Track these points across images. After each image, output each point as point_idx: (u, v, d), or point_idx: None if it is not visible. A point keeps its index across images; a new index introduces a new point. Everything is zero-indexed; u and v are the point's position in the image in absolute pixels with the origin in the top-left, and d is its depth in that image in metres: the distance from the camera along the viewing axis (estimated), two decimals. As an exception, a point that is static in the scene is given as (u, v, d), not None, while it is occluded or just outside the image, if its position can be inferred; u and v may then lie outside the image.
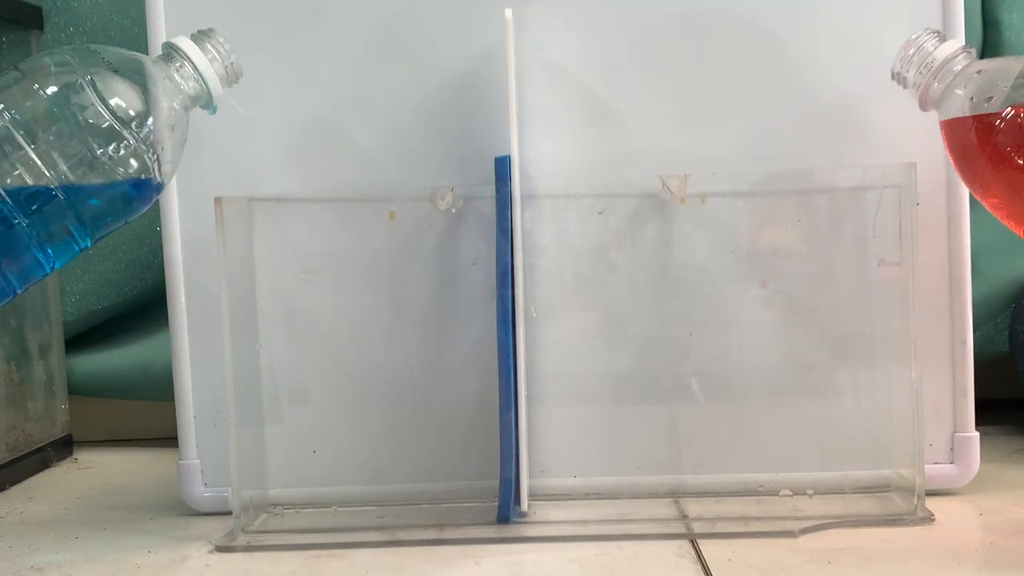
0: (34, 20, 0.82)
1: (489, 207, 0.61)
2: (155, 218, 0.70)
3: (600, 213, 0.62)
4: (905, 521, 0.58)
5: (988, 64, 0.55)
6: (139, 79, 0.54)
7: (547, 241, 0.62)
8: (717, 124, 0.62)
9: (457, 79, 0.63)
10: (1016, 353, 0.76)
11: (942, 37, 0.56)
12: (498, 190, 0.60)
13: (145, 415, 0.87)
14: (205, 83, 0.57)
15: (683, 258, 0.62)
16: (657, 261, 0.62)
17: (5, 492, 0.74)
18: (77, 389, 0.85)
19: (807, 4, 0.62)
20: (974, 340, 0.63)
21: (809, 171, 0.61)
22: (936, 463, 0.63)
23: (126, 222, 0.54)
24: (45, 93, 0.51)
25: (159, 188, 0.55)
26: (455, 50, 0.63)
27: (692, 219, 0.62)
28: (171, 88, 0.55)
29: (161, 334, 0.84)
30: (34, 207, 0.50)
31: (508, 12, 0.59)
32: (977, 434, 0.63)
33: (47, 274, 0.52)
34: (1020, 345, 0.75)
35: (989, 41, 0.82)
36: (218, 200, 0.59)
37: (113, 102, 0.52)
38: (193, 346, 0.64)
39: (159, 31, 0.63)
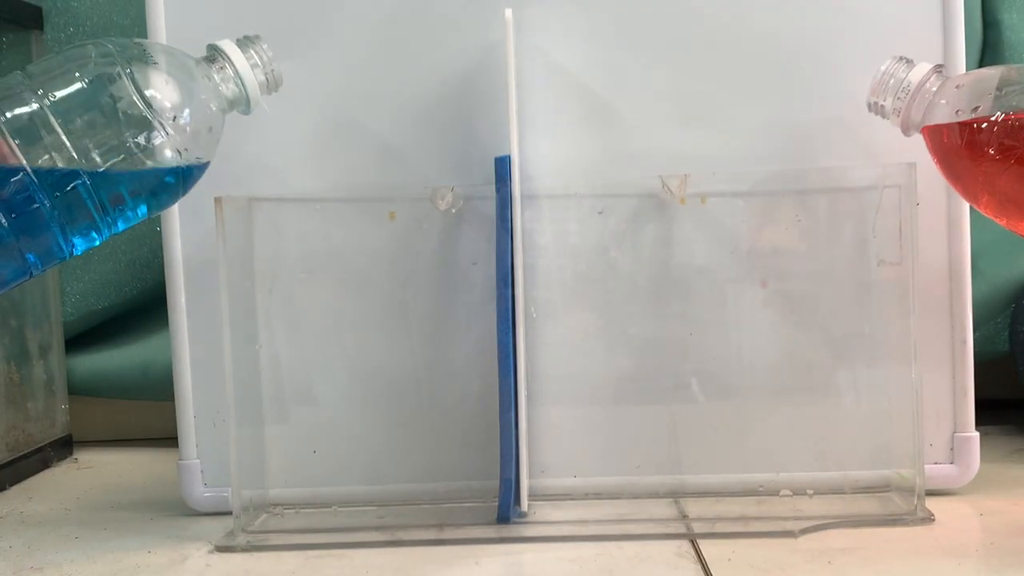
0: (34, 20, 0.82)
1: (489, 207, 0.61)
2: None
3: (600, 213, 0.62)
4: (905, 521, 0.58)
5: (965, 79, 0.56)
6: (179, 75, 0.54)
7: (547, 241, 0.62)
8: (717, 124, 0.63)
9: (457, 79, 0.63)
10: (1016, 353, 0.76)
11: (910, 62, 0.57)
12: (498, 190, 0.60)
13: (145, 415, 0.87)
14: (244, 88, 0.57)
15: (683, 258, 0.62)
16: (657, 261, 0.62)
17: (5, 492, 0.74)
18: (77, 389, 0.85)
19: (807, 4, 0.62)
20: (974, 340, 0.63)
21: (809, 171, 0.61)
22: (936, 463, 0.63)
23: (149, 216, 0.54)
24: (84, 80, 0.52)
25: (187, 187, 0.55)
26: (455, 50, 0.63)
27: (692, 219, 0.62)
28: (210, 88, 0.55)
29: (161, 334, 0.84)
30: (60, 191, 0.50)
31: (508, 12, 0.59)
32: (977, 434, 0.63)
33: (65, 258, 0.53)
34: (1020, 345, 0.75)
35: (989, 41, 0.82)
36: (218, 200, 0.59)
37: (149, 94, 0.52)
38: (193, 346, 0.64)
39: (159, 31, 0.63)
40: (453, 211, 0.62)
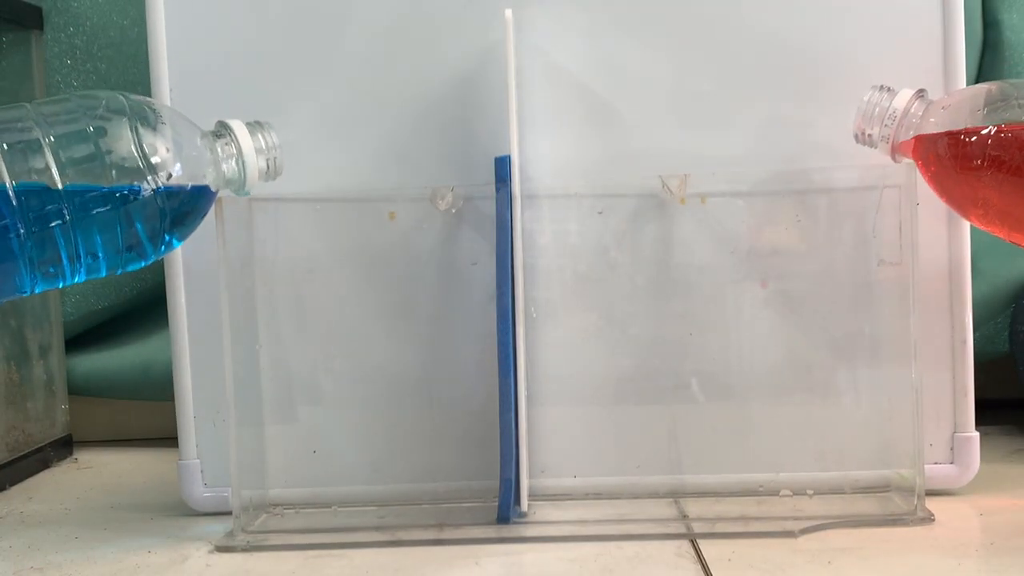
0: (34, 20, 0.82)
1: (489, 207, 0.61)
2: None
3: (600, 213, 0.62)
4: (905, 521, 0.58)
5: (950, 99, 0.56)
6: (183, 142, 0.54)
7: (547, 241, 0.62)
8: (717, 124, 0.62)
9: (457, 79, 0.63)
10: (1016, 353, 0.76)
11: (891, 89, 0.57)
12: (498, 190, 0.60)
13: (145, 415, 0.87)
14: (244, 170, 0.57)
15: (683, 258, 0.62)
16: (657, 261, 0.62)
17: (5, 492, 0.74)
18: (77, 389, 0.85)
19: (807, 4, 0.62)
20: (974, 340, 0.63)
21: (809, 171, 0.61)
22: (936, 463, 0.63)
23: (120, 271, 0.54)
24: (89, 126, 0.52)
25: (161, 252, 0.55)
26: (455, 50, 0.63)
27: (692, 219, 0.62)
28: (210, 162, 0.56)
29: (161, 334, 0.84)
30: (40, 227, 0.50)
31: (508, 12, 0.59)
32: (977, 434, 0.63)
33: (25, 293, 0.52)
34: (1020, 345, 0.75)
35: (989, 41, 0.82)
36: (218, 200, 0.59)
37: (148, 152, 0.52)
38: (193, 346, 0.64)
39: (159, 31, 0.63)
40: (453, 211, 0.62)
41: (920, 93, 0.57)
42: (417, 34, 0.63)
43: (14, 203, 0.50)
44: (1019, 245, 0.55)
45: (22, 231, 0.50)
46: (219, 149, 0.56)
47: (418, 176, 0.63)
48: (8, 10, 0.79)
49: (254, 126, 0.58)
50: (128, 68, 0.84)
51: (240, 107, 0.62)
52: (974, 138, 0.53)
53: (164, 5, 0.63)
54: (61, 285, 0.53)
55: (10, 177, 0.50)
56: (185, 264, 0.64)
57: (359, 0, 0.63)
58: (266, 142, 0.58)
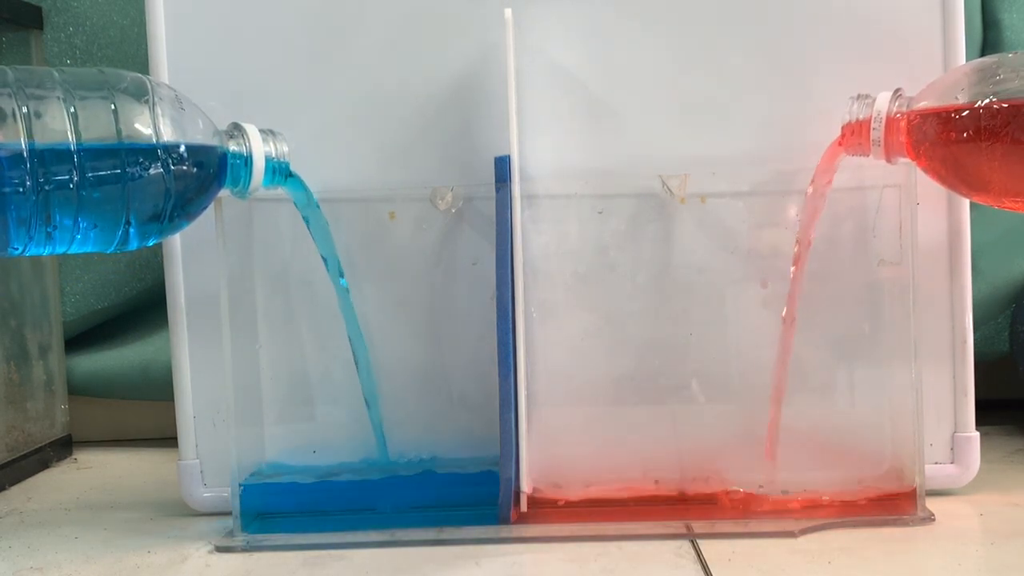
0: (34, 20, 0.82)
1: (489, 207, 0.61)
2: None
3: (600, 213, 0.62)
4: (905, 521, 0.58)
5: (933, 87, 0.56)
6: (198, 132, 0.54)
7: (547, 241, 0.62)
8: (717, 124, 0.62)
9: (457, 79, 0.63)
10: (1016, 353, 0.76)
11: (868, 95, 0.57)
12: (498, 190, 0.60)
13: (145, 415, 0.87)
14: (250, 172, 0.57)
15: (683, 258, 0.62)
16: (657, 261, 0.62)
17: (5, 492, 0.74)
18: (77, 389, 0.85)
19: (807, 4, 0.62)
20: (974, 340, 0.63)
21: (809, 171, 0.61)
22: (936, 463, 0.63)
23: (106, 251, 0.54)
24: (110, 96, 0.52)
25: (155, 236, 0.54)
26: (455, 50, 0.63)
27: (692, 219, 0.62)
28: (220, 154, 0.56)
29: (161, 334, 0.84)
30: (46, 187, 0.50)
31: (508, 12, 0.59)
32: (977, 434, 0.63)
33: (13, 254, 0.52)
34: (1020, 345, 0.75)
35: (989, 41, 0.82)
36: (218, 200, 0.59)
37: (164, 132, 0.52)
38: (193, 346, 0.64)
39: (159, 31, 0.63)
40: (453, 211, 0.62)
41: (898, 92, 0.57)
42: (417, 34, 0.63)
43: (25, 155, 0.49)
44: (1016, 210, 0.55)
45: (28, 184, 0.50)
46: (230, 147, 0.56)
47: (418, 176, 0.63)
48: (8, 10, 0.79)
49: (267, 133, 0.58)
50: (128, 68, 0.84)
51: (240, 107, 0.62)
52: (966, 113, 0.53)
53: (164, 5, 0.63)
54: (48, 251, 0.52)
55: (26, 133, 0.50)
56: (185, 264, 0.64)
57: (359, 1, 0.63)
58: (275, 150, 0.58)
